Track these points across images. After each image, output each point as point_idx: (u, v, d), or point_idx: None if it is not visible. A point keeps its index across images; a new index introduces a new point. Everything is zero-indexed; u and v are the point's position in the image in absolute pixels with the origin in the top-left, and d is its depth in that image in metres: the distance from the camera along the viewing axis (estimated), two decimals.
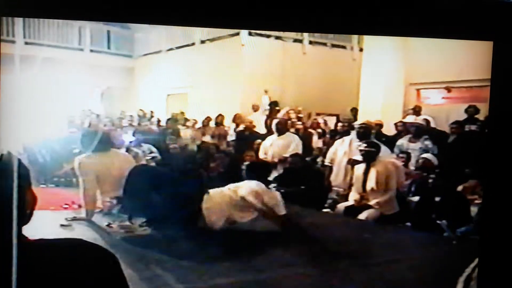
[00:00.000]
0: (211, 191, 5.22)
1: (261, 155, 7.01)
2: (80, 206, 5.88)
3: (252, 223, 5.31)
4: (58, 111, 9.14)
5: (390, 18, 1.68)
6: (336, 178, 6.41)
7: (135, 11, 1.77)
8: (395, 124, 7.68)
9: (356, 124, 6.63)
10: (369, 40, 8.98)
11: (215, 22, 1.78)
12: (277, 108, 8.97)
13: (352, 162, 6.03)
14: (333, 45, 10.72)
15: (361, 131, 6.34)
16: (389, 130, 7.63)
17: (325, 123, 8.67)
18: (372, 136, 6.39)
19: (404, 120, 7.64)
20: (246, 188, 5.18)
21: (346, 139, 6.48)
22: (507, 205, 1.61)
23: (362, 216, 5.60)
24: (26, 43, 10.98)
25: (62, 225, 4.80)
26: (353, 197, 5.83)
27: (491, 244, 1.54)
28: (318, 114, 9.28)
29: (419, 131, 6.84)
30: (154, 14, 1.78)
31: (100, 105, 11.28)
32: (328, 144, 7.31)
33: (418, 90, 9.16)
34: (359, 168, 5.88)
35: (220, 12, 1.74)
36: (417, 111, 7.98)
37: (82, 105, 10.28)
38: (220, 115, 8.74)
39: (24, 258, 1.17)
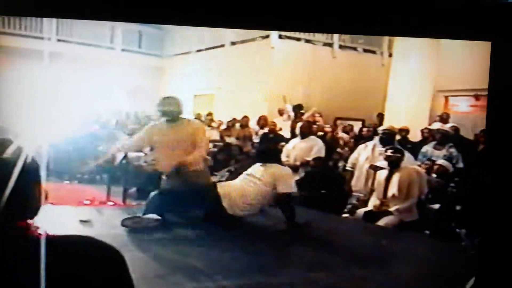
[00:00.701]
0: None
1: (284, 158, 6.98)
2: (101, 203, 5.99)
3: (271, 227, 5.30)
4: (86, 109, 9.29)
5: (389, 18, 1.65)
6: (357, 183, 6.34)
7: (145, 11, 1.77)
8: (422, 130, 7.56)
9: (380, 129, 6.54)
10: (399, 46, 8.88)
11: (219, 22, 1.77)
12: (302, 111, 8.94)
13: (374, 168, 5.95)
14: (364, 50, 10.65)
15: (385, 136, 6.24)
16: (415, 136, 7.53)
17: (350, 128, 8.60)
18: (395, 142, 6.30)
19: (430, 127, 7.50)
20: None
21: (369, 144, 6.40)
22: (507, 208, 1.56)
23: (381, 222, 5.53)
24: (59, 40, 11.25)
25: (81, 221, 4.86)
26: (373, 202, 5.76)
27: (492, 247, 1.50)
28: (344, 119, 9.21)
29: (444, 138, 6.70)
30: (165, 14, 1.77)
31: (128, 104, 11.44)
32: (351, 149, 7.25)
33: (446, 97, 9.02)
34: (382, 174, 5.80)
35: (225, 12, 1.73)
36: (444, 118, 7.84)
37: (110, 103, 10.43)
38: (245, 116, 8.75)
39: (26, 253, 1.18)
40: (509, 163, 1.56)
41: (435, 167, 6.08)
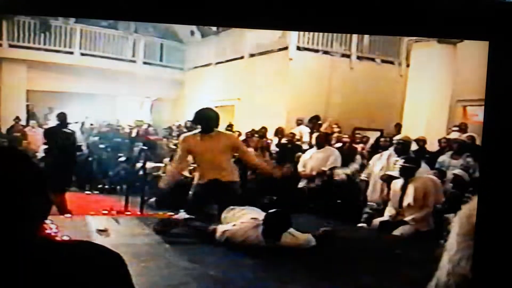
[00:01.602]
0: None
1: (300, 168, 7.02)
2: (118, 212, 6.09)
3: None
4: (107, 120, 9.46)
5: (385, 17, 1.70)
6: (372, 193, 6.32)
7: (138, 10, 1.83)
8: (439, 140, 7.52)
9: (395, 139, 6.52)
10: (416, 56, 8.88)
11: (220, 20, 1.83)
12: (320, 122, 8.98)
13: (386, 178, 5.93)
14: (382, 61, 10.66)
15: (400, 146, 6.22)
16: (433, 146, 7.49)
17: (367, 139, 8.58)
18: (411, 151, 6.27)
19: (448, 137, 7.46)
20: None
21: (385, 154, 6.37)
22: (504, 207, 1.58)
23: (397, 232, 5.50)
24: (82, 54, 11.50)
25: (98, 230, 4.94)
26: (388, 212, 5.74)
27: (488, 246, 1.51)
28: (362, 129, 9.21)
29: (461, 148, 6.67)
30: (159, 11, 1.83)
31: (150, 115, 11.63)
32: (367, 159, 7.24)
33: (464, 107, 8.97)
34: (397, 184, 5.77)
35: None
36: (462, 128, 7.79)
37: (132, 114, 10.63)
38: (263, 127, 8.82)
39: (28, 258, 1.24)
40: (507, 163, 1.57)
41: (451, 177, 6.03)
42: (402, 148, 6.20)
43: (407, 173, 5.65)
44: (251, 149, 7.96)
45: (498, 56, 1.60)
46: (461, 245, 1.39)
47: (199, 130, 5.11)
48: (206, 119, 5.09)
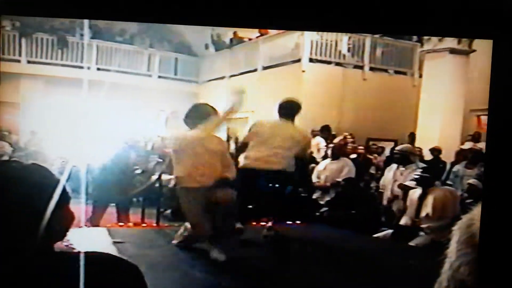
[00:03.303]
0: None
1: (314, 179, 7.04)
2: (135, 224, 6.17)
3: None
4: (123, 134, 9.54)
5: (387, 16, 1.74)
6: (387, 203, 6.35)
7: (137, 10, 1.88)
8: (456, 152, 7.51)
9: (396, 149, 6.58)
10: (429, 66, 8.91)
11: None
12: (333, 133, 9.00)
13: (403, 187, 5.94)
14: (395, 72, 10.70)
15: (398, 156, 6.28)
16: (447, 156, 7.50)
17: (382, 149, 8.59)
18: (415, 160, 6.31)
19: (462, 147, 7.47)
20: None
21: (393, 165, 6.40)
22: (507, 207, 1.62)
23: (413, 242, 5.49)
24: (98, 69, 11.71)
25: (115, 242, 5.01)
26: (404, 222, 5.73)
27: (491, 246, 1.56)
28: (375, 140, 9.22)
29: (476, 158, 6.67)
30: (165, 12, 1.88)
31: (165, 128, 11.71)
32: (382, 170, 7.26)
33: (478, 116, 8.96)
34: (415, 194, 5.76)
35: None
36: (476, 137, 7.79)
37: (148, 127, 10.71)
38: None
39: (48, 269, 1.29)
40: (510, 165, 1.61)
41: (466, 186, 6.01)
42: (401, 158, 6.24)
43: (425, 183, 5.63)
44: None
45: (502, 55, 1.63)
46: (460, 252, 1.45)
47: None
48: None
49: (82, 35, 11.72)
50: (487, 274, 1.51)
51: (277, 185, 4.97)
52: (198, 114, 4.64)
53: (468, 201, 5.66)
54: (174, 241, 4.83)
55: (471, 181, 6.03)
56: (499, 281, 1.57)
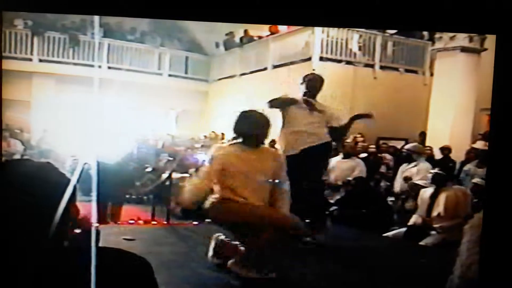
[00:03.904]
0: None
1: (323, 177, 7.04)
2: (145, 222, 6.20)
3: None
4: (134, 132, 9.61)
5: (391, 11, 1.73)
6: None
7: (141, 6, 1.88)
8: (467, 151, 7.46)
9: (405, 148, 6.57)
10: (440, 65, 8.86)
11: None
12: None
13: (413, 186, 5.92)
14: (406, 70, 10.65)
15: (405, 155, 6.29)
16: (457, 155, 7.46)
17: (393, 148, 8.54)
18: (419, 159, 6.34)
19: (473, 146, 7.41)
20: None
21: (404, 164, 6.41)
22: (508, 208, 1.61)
23: (424, 242, 5.46)
24: (109, 68, 11.76)
25: (125, 239, 5.04)
26: (415, 220, 5.70)
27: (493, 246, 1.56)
28: (386, 139, 9.18)
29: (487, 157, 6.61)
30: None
31: (175, 127, 11.78)
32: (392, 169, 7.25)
33: (489, 115, 8.89)
34: (426, 192, 5.72)
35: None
36: (487, 136, 7.72)
37: (158, 126, 10.77)
38: None
39: (60, 264, 1.31)
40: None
41: (470, 186, 5.98)
42: (407, 156, 6.25)
43: (439, 182, 5.60)
44: None
45: (506, 50, 1.62)
46: (471, 251, 1.46)
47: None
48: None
49: (93, 33, 11.78)
50: (490, 271, 1.51)
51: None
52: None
53: (474, 200, 5.63)
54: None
55: (476, 180, 5.99)
56: (502, 278, 1.57)
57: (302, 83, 5.07)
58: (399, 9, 1.71)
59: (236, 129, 3.88)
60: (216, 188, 3.80)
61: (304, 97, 4.87)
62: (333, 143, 5.14)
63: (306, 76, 5.11)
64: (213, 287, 3.91)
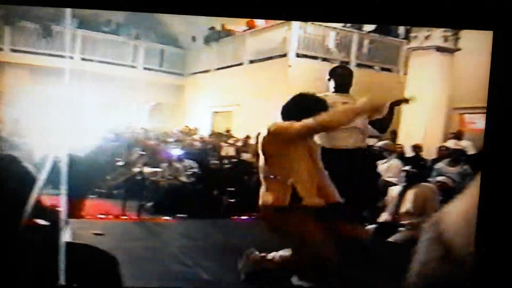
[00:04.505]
0: None
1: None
2: (115, 217, 6.13)
3: None
4: (106, 125, 9.50)
5: (386, 7, 1.72)
6: None
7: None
8: (439, 148, 7.54)
9: (376, 146, 6.61)
10: (414, 64, 8.92)
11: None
12: None
13: (384, 183, 5.94)
14: (382, 68, 10.72)
15: (375, 152, 6.34)
16: (429, 153, 7.53)
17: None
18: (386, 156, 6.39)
19: (445, 144, 7.50)
20: None
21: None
22: (506, 206, 1.61)
23: (392, 238, 5.49)
24: (83, 59, 11.59)
25: (95, 234, 4.98)
26: (383, 218, 5.72)
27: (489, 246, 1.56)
28: None
29: (458, 156, 6.71)
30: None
31: (149, 120, 11.68)
32: None
33: (461, 114, 9.00)
34: (394, 190, 5.75)
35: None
36: (459, 136, 7.84)
37: (131, 119, 10.66)
38: (259, 134, 8.84)
39: (28, 258, 1.30)
40: (509, 161, 1.61)
41: (437, 184, 6.02)
42: (378, 154, 6.30)
43: (410, 179, 5.61)
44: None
45: (503, 46, 1.61)
46: (429, 249, 1.47)
47: None
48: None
49: (67, 24, 11.59)
50: (485, 270, 1.51)
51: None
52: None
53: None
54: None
55: (440, 178, 6.03)
56: (498, 278, 1.57)
57: (329, 79, 4.65)
58: (394, 5, 1.69)
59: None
60: None
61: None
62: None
63: (333, 70, 4.71)
64: (184, 283, 3.89)
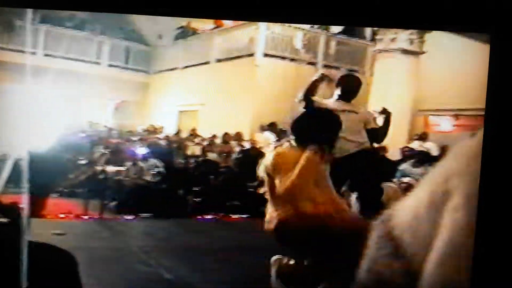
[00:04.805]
0: None
1: (261, 173, 7.01)
2: (77, 216, 6.01)
3: None
4: (69, 123, 9.32)
5: (384, 10, 1.69)
6: None
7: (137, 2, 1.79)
8: (401, 149, 7.64)
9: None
10: (380, 66, 9.02)
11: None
12: (284, 128, 9.00)
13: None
14: (348, 70, 10.78)
15: None
16: (394, 155, 7.61)
17: None
18: None
19: (410, 146, 7.62)
20: None
21: None
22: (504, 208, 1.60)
23: None
24: (46, 55, 11.30)
25: (55, 234, 4.86)
26: None
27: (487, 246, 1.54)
28: None
29: (423, 157, 6.80)
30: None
31: (113, 118, 11.49)
32: None
33: (426, 116, 9.15)
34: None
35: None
36: (423, 137, 7.96)
37: (95, 117, 10.47)
38: (226, 133, 8.81)
39: None
40: (507, 162, 1.60)
41: (403, 185, 6.11)
42: None
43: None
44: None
45: (500, 49, 1.60)
46: (378, 245, 1.51)
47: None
48: None
49: (31, 19, 11.30)
50: (482, 271, 1.50)
51: None
52: None
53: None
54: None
55: (406, 179, 6.13)
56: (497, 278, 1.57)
57: (337, 85, 4.60)
58: (392, 8, 1.68)
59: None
60: None
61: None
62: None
63: (343, 78, 4.71)
64: (147, 283, 3.85)
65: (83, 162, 7.47)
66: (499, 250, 1.56)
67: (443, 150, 7.09)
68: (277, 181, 3.13)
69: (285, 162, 3.15)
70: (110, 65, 12.21)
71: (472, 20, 1.67)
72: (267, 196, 3.25)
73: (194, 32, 12.04)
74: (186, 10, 1.84)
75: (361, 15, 1.74)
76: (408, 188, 5.86)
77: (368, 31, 10.78)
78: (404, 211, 1.53)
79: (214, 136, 8.94)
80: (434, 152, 7.32)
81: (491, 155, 1.50)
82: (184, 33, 12.24)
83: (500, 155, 1.56)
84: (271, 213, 3.20)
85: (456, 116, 8.57)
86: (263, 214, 6.49)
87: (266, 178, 3.23)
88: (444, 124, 9.00)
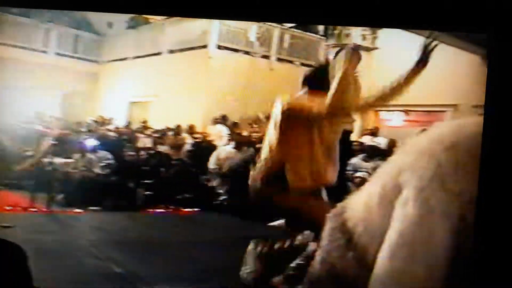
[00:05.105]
0: None
1: (212, 166, 7.01)
2: (24, 209, 5.87)
3: None
4: (15, 113, 9.05)
5: (379, 8, 1.70)
6: None
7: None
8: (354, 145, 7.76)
9: None
10: (331, 60, 9.12)
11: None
12: (236, 121, 9.01)
13: None
14: (302, 64, 10.86)
15: None
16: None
17: None
18: None
19: (360, 140, 7.76)
20: None
21: None
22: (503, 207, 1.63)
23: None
24: None
25: (2, 226, 4.73)
26: None
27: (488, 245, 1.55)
28: None
29: (373, 152, 6.94)
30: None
31: (60, 109, 11.20)
32: None
33: (376, 111, 9.34)
34: None
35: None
36: (374, 132, 8.12)
37: (42, 107, 10.17)
38: (178, 126, 8.74)
39: None
40: (506, 161, 1.62)
41: (357, 180, 6.22)
42: None
43: None
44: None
45: (497, 48, 1.63)
46: (332, 237, 1.57)
47: None
48: None
49: None
50: (485, 270, 1.52)
51: None
52: None
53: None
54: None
55: (360, 174, 6.25)
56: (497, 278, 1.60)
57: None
58: (392, 7, 1.69)
59: None
60: None
61: None
62: None
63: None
64: (97, 276, 3.81)
65: (30, 153, 7.25)
66: (499, 250, 1.60)
67: (392, 143, 7.25)
68: None
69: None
70: (58, 54, 11.89)
71: (470, 20, 1.70)
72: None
73: (146, 21, 11.85)
74: (184, 10, 1.82)
75: (361, 15, 1.75)
76: (361, 182, 5.98)
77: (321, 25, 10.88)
78: (357, 204, 1.57)
79: (166, 129, 8.85)
80: (384, 146, 7.48)
81: (491, 155, 1.54)
82: (135, 22, 12.02)
83: (500, 155, 1.59)
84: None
85: (407, 112, 8.77)
86: (214, 208, 6.54)
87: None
88: (395, 119, 9.21)
